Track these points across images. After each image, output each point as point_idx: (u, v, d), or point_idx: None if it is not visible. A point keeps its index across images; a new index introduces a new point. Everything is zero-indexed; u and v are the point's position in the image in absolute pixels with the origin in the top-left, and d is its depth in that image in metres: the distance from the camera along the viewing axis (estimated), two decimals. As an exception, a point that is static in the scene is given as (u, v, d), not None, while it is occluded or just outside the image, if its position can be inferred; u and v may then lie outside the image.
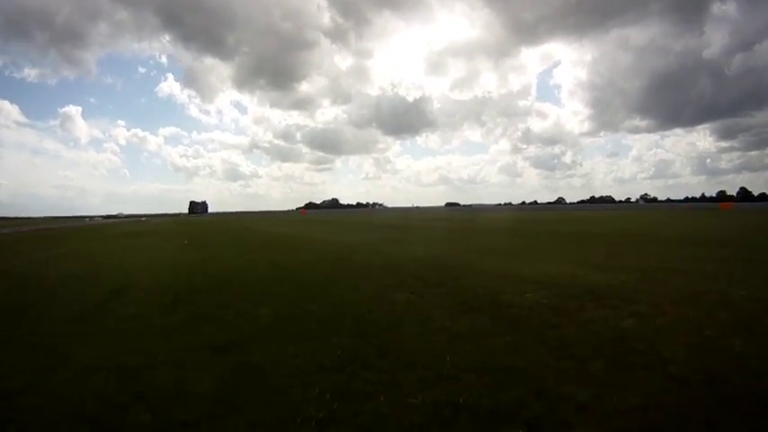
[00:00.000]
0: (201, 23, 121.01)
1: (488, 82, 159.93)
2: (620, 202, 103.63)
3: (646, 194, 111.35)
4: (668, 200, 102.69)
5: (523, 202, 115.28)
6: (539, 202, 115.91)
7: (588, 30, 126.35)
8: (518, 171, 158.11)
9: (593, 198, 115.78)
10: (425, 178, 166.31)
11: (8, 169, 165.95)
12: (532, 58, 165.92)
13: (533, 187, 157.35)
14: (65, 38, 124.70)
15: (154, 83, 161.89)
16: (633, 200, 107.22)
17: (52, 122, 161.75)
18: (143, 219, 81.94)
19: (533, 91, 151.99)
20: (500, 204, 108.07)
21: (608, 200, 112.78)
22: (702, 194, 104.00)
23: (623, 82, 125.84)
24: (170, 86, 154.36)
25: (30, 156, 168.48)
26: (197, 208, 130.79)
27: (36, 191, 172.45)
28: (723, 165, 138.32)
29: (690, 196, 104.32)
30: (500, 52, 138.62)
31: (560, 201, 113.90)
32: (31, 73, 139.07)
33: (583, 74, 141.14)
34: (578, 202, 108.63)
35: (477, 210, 64.62)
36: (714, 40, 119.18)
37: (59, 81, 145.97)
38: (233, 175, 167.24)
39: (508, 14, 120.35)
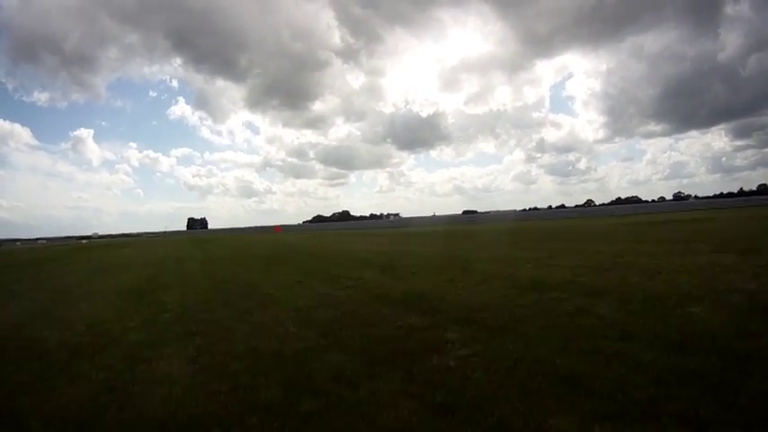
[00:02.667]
0: (212, 45, 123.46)
1: (502, 95, 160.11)
2: (649, 202, 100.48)
3: (680, 192, 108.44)
4: (695, 197, 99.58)
5: (535, 208, 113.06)
6: (556, 206, 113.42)
7: (603, 39, 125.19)
8: (532, 178, 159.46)
9: (618, 199, 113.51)
10: (439, 189, 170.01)
11: (22, 192, 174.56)
12: (547, 70, 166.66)
13: (548, 193, 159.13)
14: (74, 62, 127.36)
15: (165, 106, 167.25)
16: (669, 198, 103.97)
17: (63, 145, 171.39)
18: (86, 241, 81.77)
19: (547, 103, 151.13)
20: (516, 210, 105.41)
21: (634, 200, 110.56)
22: (721, 192, 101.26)
23: (637, 90, 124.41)
24: (181, 109, 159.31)
25: (43, 179, 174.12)
26: (195, 224, 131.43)
27: (51, 212, 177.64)
28: (738, 162, 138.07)
29: (698, 195, 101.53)
30: (514, 66, 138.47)
31: (589, 203, 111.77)
32: (41, 97, 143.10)
33: (597, 84, 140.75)
34: (608, 204, 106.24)
35: (481, 219, 61.15)
36: (729, 41, 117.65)
37: (69, 105, 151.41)
38: (247, 192, 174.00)
39: (522, 27, 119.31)
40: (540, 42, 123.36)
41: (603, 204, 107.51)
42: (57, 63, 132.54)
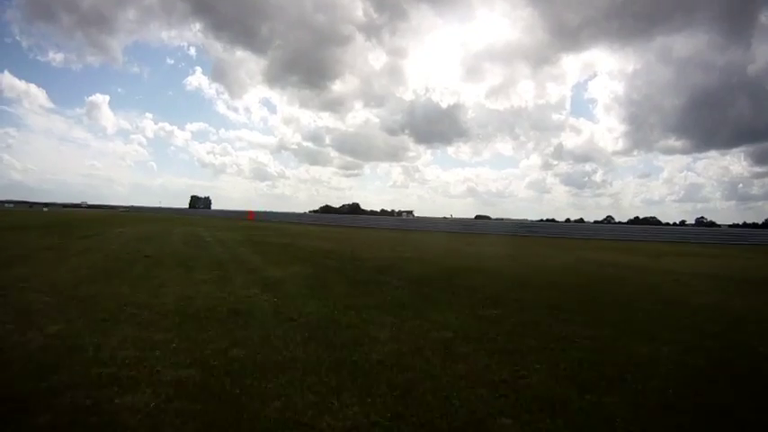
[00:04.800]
0: (233, 11, 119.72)
1: (525, 91, 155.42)
2: (670, 224, 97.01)
3: (702, 218, 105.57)
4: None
5: (552, 219, 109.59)
6: (564, 219, 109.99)
7: (633, 36, 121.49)
8: (547, 187, 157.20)
9: (636, 219, 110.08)
10: (453, 189, 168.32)
11: (36, 155, 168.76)
12: (572, 66, 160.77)
13: (560, 204, 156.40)
14: (91, 21, 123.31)
15: (182, 75, 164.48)
16: (690, 222, 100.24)
17: (79, 110, 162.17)
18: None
19: (568, 104, 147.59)
20: (529, 220, 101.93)
21: (653, 221, 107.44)
22: (744, 222, 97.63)
23: (661, 98, 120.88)
24: (198, 80, 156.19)
25: (57, 143, 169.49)
26: (199, 203, 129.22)
27: (63, 177, 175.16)
28: (755, 190, 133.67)
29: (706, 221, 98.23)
30: (539, 58, 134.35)
31: (609, 220, 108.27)
32: (55, 57, 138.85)
33: (620, 87, 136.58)
34: (626, 223, 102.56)
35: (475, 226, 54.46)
36: (760, 53, 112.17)
37: (85, 67, 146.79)
38: (260, 174, 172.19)
39: (551, 16, 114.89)
40: (568, 34, 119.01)
41: (620, 223, 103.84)
42: (73, 22, 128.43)
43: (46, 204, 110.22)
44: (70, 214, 52.13)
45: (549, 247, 20.88)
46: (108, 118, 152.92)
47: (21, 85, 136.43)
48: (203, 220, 43.13)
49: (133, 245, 13.96)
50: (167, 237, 18.05)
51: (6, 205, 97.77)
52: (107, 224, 27.27)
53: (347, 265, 11.13)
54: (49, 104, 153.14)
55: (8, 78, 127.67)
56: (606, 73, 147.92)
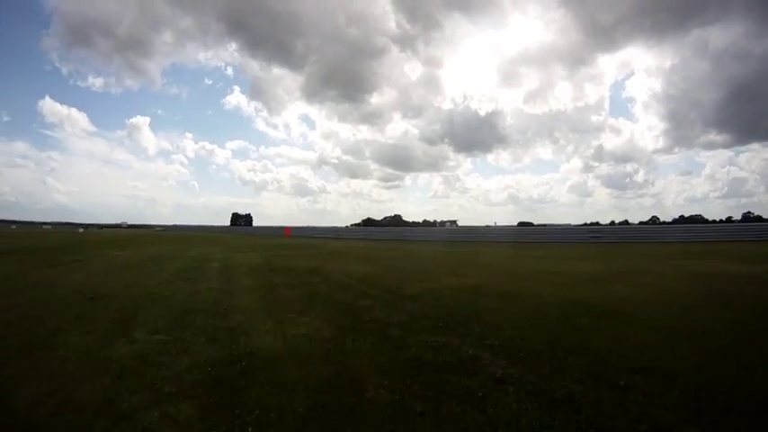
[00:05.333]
0: (267, 29, 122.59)
1: (563, 93, 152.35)
2: (717, 222, 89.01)
3: (749, 212, 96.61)
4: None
5: (596, 223, 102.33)
6: (608, 222, 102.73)
7: (668, 31, 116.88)
8: (588, 190, 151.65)
9: (681, 218, 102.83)
10: (494, 197, 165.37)
11: (79, 177, 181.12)
12: (609, 65, 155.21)
13: (602, 207, 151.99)
14: (128, 46, 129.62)
15: (220, 95, 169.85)
16: (736, 218, 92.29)
17: (120, 133, 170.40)
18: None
19: (607, 104, 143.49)
20: (572, 225, 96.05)
21: (698, 219, 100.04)
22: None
23: (700, 92, 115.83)
24: (236, 99, 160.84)
25: (100, 165, 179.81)
26: (240, 220, 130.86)
27: (106, 200, 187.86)
28: None
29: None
30: (575, 60, 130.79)
31: (654, 220, 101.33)
32: (95, 82, 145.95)
33: (658, 84, 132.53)
34: (671, 222, 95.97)
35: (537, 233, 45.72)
36: None
37: (124, 90, 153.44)
38: (301, 190, 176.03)
39: (584, 15, 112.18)
40: (602, 33, 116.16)
41: (665, 223, 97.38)
42: (110, 47, 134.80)
43: (84, 225, 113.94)
44: (94, 235, 51.08)
45: (635, 257, 16.02)
46: (149, 139, 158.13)
47: (62, 109, 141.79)
48: (235, 239, 40.36)
49: (101, 278, 10.32)
50: (166, 262, 14.51)
51: (44, 226, 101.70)
52: (117, 245, 24.42)
53: (392, 311, 6.75)
54: (91, 128, 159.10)
55: (49, 104, 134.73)
56: (643, 70, 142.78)
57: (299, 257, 16.66)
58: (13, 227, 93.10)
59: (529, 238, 35.46)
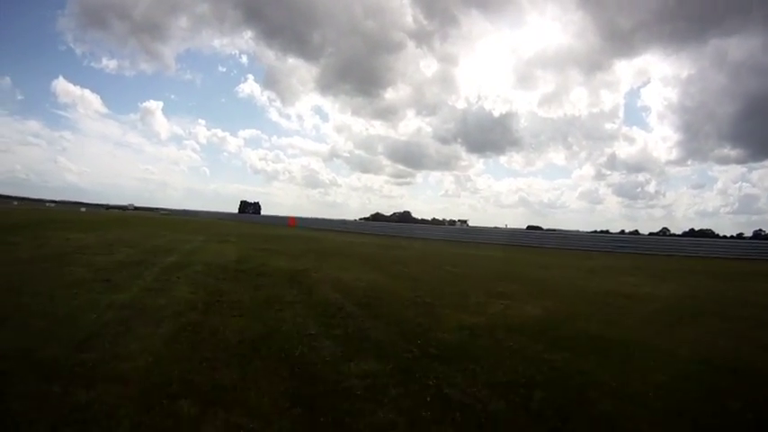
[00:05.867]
0: (284, 18, 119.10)
1: (578, 98, 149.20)
2: (727, 237, 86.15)
3: (760, 230, 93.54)
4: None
5: (606, 231, 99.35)
6: (618, 231, 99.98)
7: (686, 40, 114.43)
8: (599, 198, 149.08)
9: (692, 231, 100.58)
10: (505, 199, 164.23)
11: (91, 158, 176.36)
12: (626, 72, 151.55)
13: (612, 215, 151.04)
14: (144, 29, 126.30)
15: (233, 83, 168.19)
16: (747, 235, 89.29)
17: (133, 116, 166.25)
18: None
19: (621, 112, 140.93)
20: (582, 231, 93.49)
21: (709, 234, 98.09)
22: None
23: (716, 105, 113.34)
24: (250, 87, 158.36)
25: (112, 147, 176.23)
26: (248, 208, 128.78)
27: (118, 181, 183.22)
28: None
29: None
30: (592, 64, 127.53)
31: (665, 232, 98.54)
32: (109, 64, 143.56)
33: (674, 95, 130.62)
34: (681, 235, 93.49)
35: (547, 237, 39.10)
36: None
37: (138, 74, 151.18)
38: (312, 182, 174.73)
39: (603, 19, 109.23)
40: (620, 38, 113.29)
41: (675, 235, 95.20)
42: (126, 30, 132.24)
43: (91, 205, 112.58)
44: (86, 215, 47.57)
45: (691, 275, 13.04)
46: (161, 124, 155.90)
47: (75, 90, 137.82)
48: (233, 226, 37.19)
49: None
50: (115, 251, 11.28)
51: (48, 204, 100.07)
52: (90, 227, 20.92)
53: (418, 396, 3.41)
54: (104, 110, 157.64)
55: (63, 84, 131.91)
56: (659, 79, 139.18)
57: (286, 254, 13.30)
58: (15, 203, 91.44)
59: (546, 242, 32.31)
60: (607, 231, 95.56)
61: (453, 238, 35.76)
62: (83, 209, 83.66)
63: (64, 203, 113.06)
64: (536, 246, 30.57)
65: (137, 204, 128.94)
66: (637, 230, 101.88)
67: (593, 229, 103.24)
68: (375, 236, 34.75)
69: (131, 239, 14.18)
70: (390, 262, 12.98)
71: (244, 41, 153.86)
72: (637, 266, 16.08)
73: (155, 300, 5.96)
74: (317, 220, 57.50)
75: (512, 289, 8.80)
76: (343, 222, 52.84)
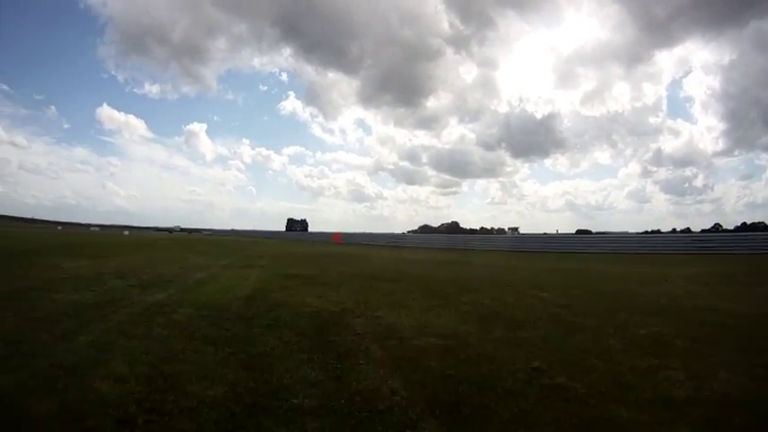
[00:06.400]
0: (321, 32, 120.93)
1: (620, 94, 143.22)
2: None
3: None
4: None
5: (657, 231, 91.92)
6: (670, 230, 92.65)
7: (725, 24, 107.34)
8: (646, 196, 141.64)
9: (744, 225, 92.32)
10: (551, 204, 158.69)
11: (139, 182, 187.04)
12: (666, 62, 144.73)
13: (661, 214, 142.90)
14: (183, 52, 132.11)
15: (275, 101, 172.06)
16: None
17: (177, 139, 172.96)
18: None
19: (665, 105, 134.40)
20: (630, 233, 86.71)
21: (761, 227, 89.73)
22: None
23: (759, 89, 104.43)
24: (292, 104, 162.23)
25: (159, 170, 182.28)
26: (295, 226, 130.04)
27: (165, 204, 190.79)
28: None
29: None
30: (632, 57, 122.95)
31: (717, 228, 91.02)
32: (151, 89, 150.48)
33: (716, 82, 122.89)
34: (733, 230, 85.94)
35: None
36: None
37: (180, 97, 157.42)
38: (358, 196, 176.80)
39: (639, 9, 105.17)
40: (658, 28, 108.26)
41: (728, 231, 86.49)
42: (166, 54, 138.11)
43: (131, 228, 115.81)
44: (115, 238, 43.42)
45: None
46: (206, 145, 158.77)
47: (120, 116, 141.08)
48: (274, 245, 35.06)
49: None
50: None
51: (92, 228, 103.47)
52: (103, 254, 18.98)
53: None
54: (149, 134, 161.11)
55: (107, 111, 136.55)
56: (701, 67, 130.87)
57: (320, 283, 10.15)
58: (59, 228, 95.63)
59: (624, 248, 28.06)
60: (658, 231, 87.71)
61: (513, 248, 32.21)
62: (126, 232, 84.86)
63: (110, 227, 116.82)
64: (599, 252, 26.99)
65: (183, 226, 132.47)
66: (689, 228, 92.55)
67: (643, 230, 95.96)
68: (429, 249, 31.34)
69: (134, 268, 11.67)
70: (458, 290, 9.51)
71: (283, 59, 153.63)
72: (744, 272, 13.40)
73: (39, 400, 3.00)
74: (363, 234, 54.83)
75: (668, 333, 5.18)
76: (391, 237, 49.70)
